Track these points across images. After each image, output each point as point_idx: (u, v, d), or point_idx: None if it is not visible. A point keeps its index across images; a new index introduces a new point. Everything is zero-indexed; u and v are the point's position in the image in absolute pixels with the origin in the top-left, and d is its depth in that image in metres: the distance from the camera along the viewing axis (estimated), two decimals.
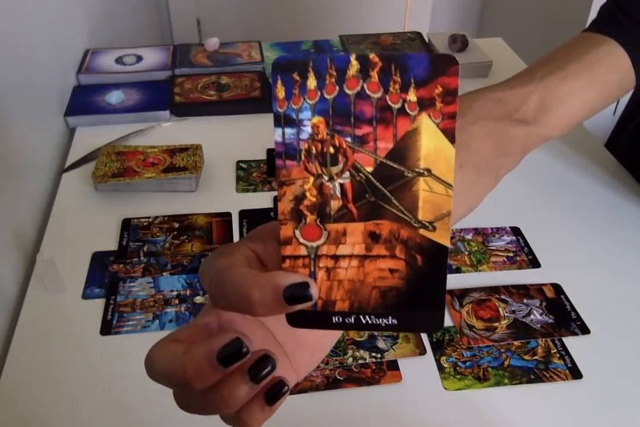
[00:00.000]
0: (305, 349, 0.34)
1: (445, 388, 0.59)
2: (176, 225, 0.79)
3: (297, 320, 0.31)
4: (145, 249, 0.75)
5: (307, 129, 0.29)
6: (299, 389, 0.59)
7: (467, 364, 0.61)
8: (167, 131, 0.98)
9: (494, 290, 0.69)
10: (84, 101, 1.01)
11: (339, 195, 0.30)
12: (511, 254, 0.74)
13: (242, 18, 2.31)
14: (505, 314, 0.66)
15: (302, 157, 0.30)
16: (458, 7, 2.50)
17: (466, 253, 0.74)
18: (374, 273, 0.30)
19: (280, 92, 0.29)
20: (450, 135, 0.28)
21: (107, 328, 0.65)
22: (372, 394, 0.59)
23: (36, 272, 0.71)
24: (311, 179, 0.30)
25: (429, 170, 0.29)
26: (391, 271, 0.30)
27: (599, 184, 0.86)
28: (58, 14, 1.03)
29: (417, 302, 0.30)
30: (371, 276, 0.30)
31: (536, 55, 0.53)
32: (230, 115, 1.01)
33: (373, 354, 0.62)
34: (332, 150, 0.29)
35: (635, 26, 0.56)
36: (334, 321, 0.31)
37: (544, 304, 0.67)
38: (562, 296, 0.68)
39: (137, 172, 0.83)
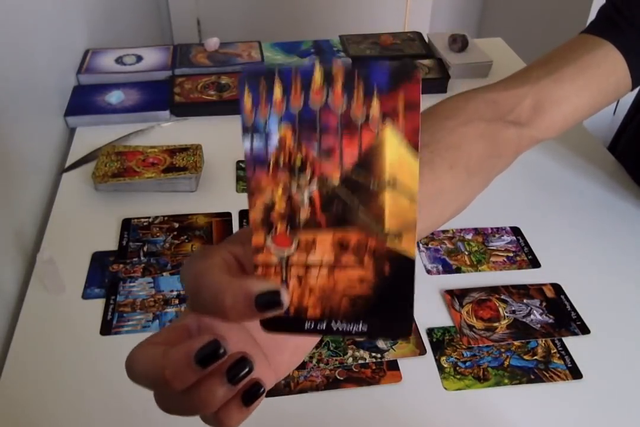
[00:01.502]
0: (284, 350, 0.35)
1: (445, 388, 0.59)
2: (176, 225, 0.79)
3: (271, 325, 0.31)
4: (145, 249, 0.75)
5: (275, 140, 0.29)
6: (299, 389, 0.59)
7: (467, 364, 0.61)
8: (167, 131, 0.98)
9: (494, 290, 0.69)
10: (84, 101, 1.01)
11: (307, 205, 0.30)
12: (511, 254, 0.74)
13: (242, 18, 2.31)
14: (505, 314, 0.66)
15: (271, 167, 0.30)
16: (458, 7, 2.50)
17: (466, 253, 0.74)
18: (343, 282, 0.31)
19: (248, 102, 0.29)
20: (413, 147, 0.28)
21: (107, 328, 0.65)
22: (372, 394, 0.59)
23: (36, 272, 0.71)
24: (280, 188, 0.30)
25: (393, 182, 0.29)
26: (360, 280, 0.30)
27: (598, 184, 0.86)
28: (58, 14, 1.03)
29: (385, 310, 0.31)
30: (341, 285, 0.31)
31: (536, 55, 0.53)
32: (230, 115, 1.01)
33: (373, 354, 0.62)
34: (299, 160, 0.30)
35: (633, 29, 0.56)
36: (306, 327, 0.31)
37: (544, 304, 0.67)
38: (562, 296, 0.68)
39: (137, 172, 0.83)
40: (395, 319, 0.31)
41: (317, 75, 0.28)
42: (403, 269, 0.30)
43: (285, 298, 0.30)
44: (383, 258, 0.30)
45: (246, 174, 0.30)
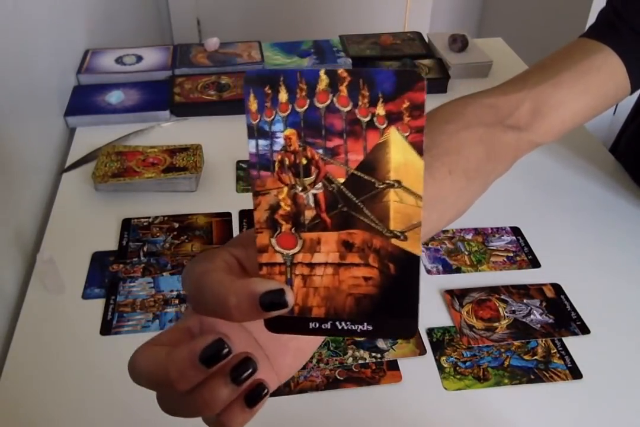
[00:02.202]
0: (287, 353, 0.35)
1: (445, 388, 0.59)
2: (176, 225, 0.79)
3: (275, 325, 0.31)
4: (145, 249, 0.75)
5: (280, 141, 0.30)
6: (299, 389, 0.59)
7: (467, 364, 0.61)
8: (167, 131, 0.98)
9: (494, 290, 0.69)
10: (84, 101, 1.01)
11: (313, 205, 0.30)
12: (511, 254, 0.74)
13: (242, 18, 2.31)
14: (505, 314, 0.66)
15: (276, 168, 0.30)
16: (458, 7, 2.50)
17: (466, 253, 0.74)
18: (348, 281, 0.30)
19: (253, 104, 0.29)
20: (418, 148, 0.28)
21: (107, 328, 0.65)
22: (372, 394, 0.59)
23: (36, 272, 0.71)
24: (285, 189, 0.30)
25: (399, 182, 0.29)
26: (365, 278, 0.30)
27: (598, 184, 0.86)
28: (58, 14, 1.03)
29: (390, 309, 0.30)
30: (346, 284, 0.31)
31: (536, 55, 0.53)
32: (230, 115, 1.01)
33: (373, 354, 0.62)
34: (304, 161, 0.30)
35: (632, 34, 0.56)
36: (310, 327, 0.31)
37: (544, 304, 0.67)
38: (562, 296, 0.68)
39: (137, 172, 0.83)
40: (401, 318, 0.30)
41: (323, 78, 0.28)
42: (408, 267, 0.30)
43: (290, 297, 0.30)
44: (388, 256, 0.30)
45: (250, 174, 0.30)
